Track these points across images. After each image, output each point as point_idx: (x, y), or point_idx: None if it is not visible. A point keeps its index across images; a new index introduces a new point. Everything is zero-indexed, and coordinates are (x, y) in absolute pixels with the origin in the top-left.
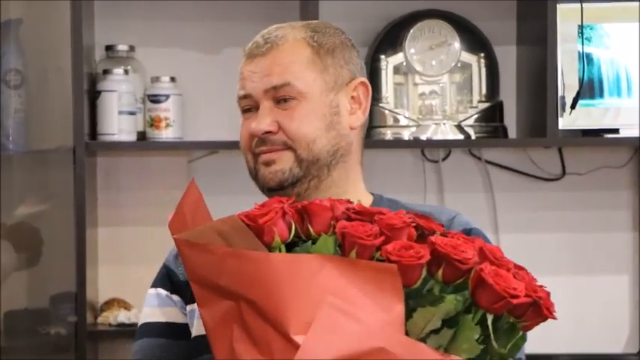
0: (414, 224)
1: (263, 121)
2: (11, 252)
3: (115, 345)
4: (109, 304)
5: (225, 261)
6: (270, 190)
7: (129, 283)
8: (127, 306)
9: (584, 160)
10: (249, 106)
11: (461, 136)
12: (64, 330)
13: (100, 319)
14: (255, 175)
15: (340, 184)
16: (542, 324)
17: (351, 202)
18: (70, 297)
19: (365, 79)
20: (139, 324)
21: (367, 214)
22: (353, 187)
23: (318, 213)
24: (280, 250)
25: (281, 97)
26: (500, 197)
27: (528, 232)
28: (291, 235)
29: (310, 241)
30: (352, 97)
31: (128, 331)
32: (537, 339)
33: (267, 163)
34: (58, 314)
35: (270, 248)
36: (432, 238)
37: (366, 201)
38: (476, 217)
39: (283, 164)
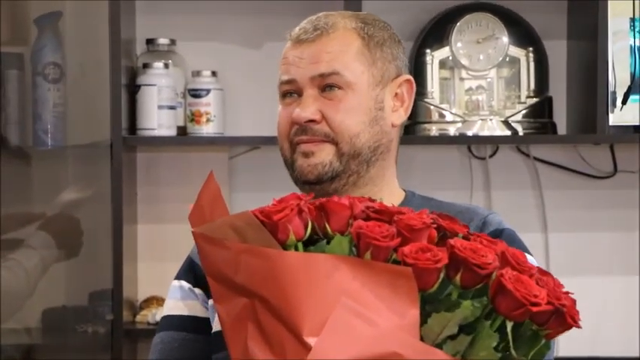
0: (435, 225)
1: (307, 109)
2: (51, 244)
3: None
4: (148, 302)
5: (240, 257)
6: (306, 183)
7: (168, 281)
8: None
9: (636, 157)
10: (291, 91)
11: (508, 133)
12: (103, 328)
13: (138, 318)
14: (291, 165)
15: (377, 182)
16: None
17: (373, 201)
18: (109, 295)
19: (410, 77)
20: (162, 316)
21: (387, 214)
22: (388, 184)
23: (336, 211)
24: (296, 248)
25: (327, 85)
26: (549, 195)
27: (578, 232)
28: (307, 233)
29: (325, 241)
30: (395, 94)
31: None
32: (586, 339)
33: (306, 155)
34: (97, 312)
35: (284, 246)
36: (452, 241)
37: (398, 198)
38: (524, 216)
39: (323, 157)
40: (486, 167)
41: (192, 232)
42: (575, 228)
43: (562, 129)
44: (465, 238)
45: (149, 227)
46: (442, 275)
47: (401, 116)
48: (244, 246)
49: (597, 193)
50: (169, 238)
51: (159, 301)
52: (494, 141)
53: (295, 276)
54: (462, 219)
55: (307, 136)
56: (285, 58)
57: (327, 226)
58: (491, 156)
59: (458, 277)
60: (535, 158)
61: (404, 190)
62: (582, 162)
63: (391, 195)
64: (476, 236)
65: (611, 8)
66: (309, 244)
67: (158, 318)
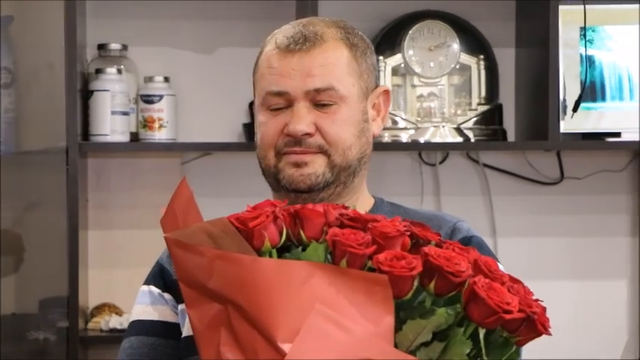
0: (408, 233)
1: (302, 122)
2: None
3: (106, 351)
4: (100, 309)
5: (214, 263)
6: (296, 191)
7: (119, 288)
8: (118, 311)
9: (582, 164)
10: (280, 105)
11: (460, 139)
12: (54, 336)
13: (90, 325)
14: (274, 174)
15: (356, 190)
16: None
17: (346, 208)
18: (60, 301)
19: (388, 87)
20: (130, 321)
21: (361, 221)
22: (363, 192)
23: (310, 218)
24: (271, 255)
25: (321, 100)
26: (497, 201)
27: (526, 237)
28: (282, 240)
29: (300, 248)
30: (373, 105)
31: (120, 337)
32: (535, 345)
33: (298, 165)
34: (48, 319)
35: (259, 252)
36: (426, 249)
37: (368, 204)
38: (473, 221)
39: (316, 168)
40: (436, 173)
41: (165, 237)
42: (522, 233)
43: (511, 136)
44: (438, 245)
45: (100, 233)
46: (416, 283)
47: (379, 126)
48: (219, 252)
49: (544, 199)
50: (121, 245)
51: (111, 308)
52: (446, 147)
53: (270, 282)
54: (430, 226)
55: (301, 148)
56: (273, 68)
57: (301, 233)
58: (441, 162)
59: (432, 285)
60: (484, 165)
61: (373, 197)
62: (530, 168)
63: (362, 201)
64: (448, 244)
65: (561, 16)
66: (282, 251)
67: (111, 325)
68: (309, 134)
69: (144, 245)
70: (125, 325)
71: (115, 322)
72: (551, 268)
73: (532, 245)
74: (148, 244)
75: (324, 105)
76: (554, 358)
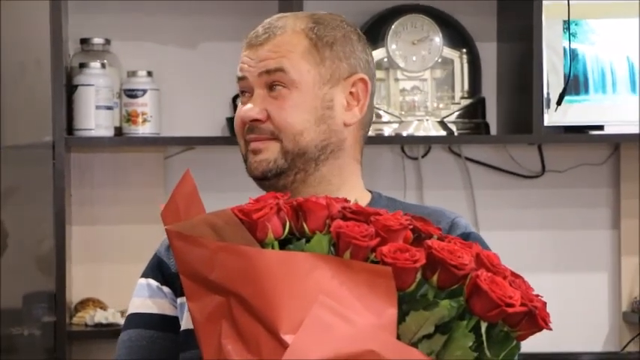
0: (411, 226)
1: (253, 109)
2: None
3: (91, 346)
4: (84, 304)
5: (216, 255)
6: (253, 178)
7: (103, 283)
8: (102, 306)
9: (563, 158)
10: (245, 89)
11: (444, 133)
12: (39, 331)
13: (74, 320)
14: (245, 162)
15: (332, 181)
16: None
17: (348, 201)
18: (44, 296)
19: (364, 76)
20: (128, 314)
21: (363, 214)
22: (348, 184)
23: (313, 210)
24: (273, 247)
25: (272, 82)
26: (479, 194)
27: (507, 230)
28: (285, 232)
29: (304, 239)
30: (351, 93)
31: (106, 332)
32: None
33: (255, 152)
34: (32, 314)
35: (263, 244)
36: (429, 242)
37: (364, 199)
38: None
39: (269, 154)
40: (419, 167)
41: (166, 229)
42: (504, 226)
43: (493, 129)
44: (440, 239)
45: (83, 229)
46: (419, 275)
47: (355, 115)
48: (222, 244)
49: (526, 193)
50: (104, 240)
51: (95, 302)
52: (429, 141)
53: (274, 274)
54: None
55: (255, 135)
56: (241, 59)
57: (304, 225)
58: (423, 156)
59: (435, 278)
60: (466, 158)
61: (370, 192)
62: (512, 162)
63: (352, 194)
64: (450, 238)
65: (544, 10)
66: (283, 244)
67: (97, 320)
68: (258, 120)
69: (128, 240)
70: (111, 320)
71: (101, 316)
72: (532, 261)
73: (513, 238)
74: (132, 239)
75: (276, 91)
76: (536, 351)
